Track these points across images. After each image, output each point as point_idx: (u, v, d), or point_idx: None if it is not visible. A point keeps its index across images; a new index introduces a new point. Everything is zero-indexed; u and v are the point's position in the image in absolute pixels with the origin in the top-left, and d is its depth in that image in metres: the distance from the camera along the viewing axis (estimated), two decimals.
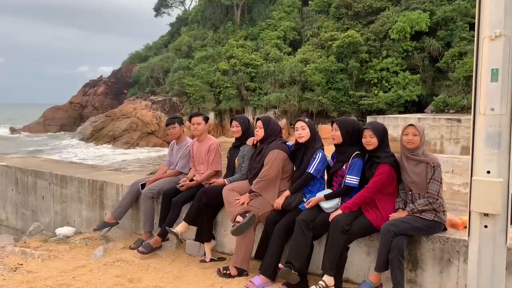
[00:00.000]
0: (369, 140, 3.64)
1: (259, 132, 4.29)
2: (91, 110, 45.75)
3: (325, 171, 4.08)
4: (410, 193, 3.56)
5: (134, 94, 40.76)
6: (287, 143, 4.34)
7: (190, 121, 4.98)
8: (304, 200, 3.99)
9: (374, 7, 32.91)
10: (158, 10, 53.15)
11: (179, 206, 4.66)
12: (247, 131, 4.62)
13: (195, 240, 4.51)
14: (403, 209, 3.54)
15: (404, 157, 3.58)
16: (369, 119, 21.06)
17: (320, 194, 3.84)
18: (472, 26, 28.10)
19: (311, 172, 3.90)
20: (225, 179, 4.54)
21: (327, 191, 3.89)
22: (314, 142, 4.03)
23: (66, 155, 27.37)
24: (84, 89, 50.27)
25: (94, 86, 49.56)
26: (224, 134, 32.90)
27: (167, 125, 5.26)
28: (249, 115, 33.15)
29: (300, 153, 4.09)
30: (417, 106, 29.09)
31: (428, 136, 18.31)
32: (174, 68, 36.52)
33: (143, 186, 5.04)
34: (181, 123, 5.24)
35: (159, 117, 32.70)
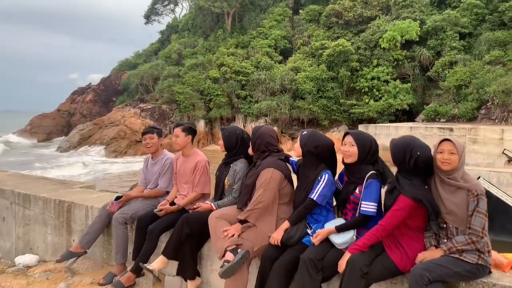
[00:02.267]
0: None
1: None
2: (79, 117, 45.13)
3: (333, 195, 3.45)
4: (445, 226, 2.84)
5: (123, 102, 40.29)
6: (290, 158, 3.64)
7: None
8: (309, 231, 3.26)
9: (364, 16, 32.99)
10: (148, 17, 52.89)
11: (156, 235, 3.92)
12: (235, 145, 3.83)
13: (176, 275, 3.78)
14: (436, 246, 2.83)
15: (439, 180, 2.87)
16: (360, 127, 20.92)
17: (330, 225, 3.13)
18: (462, 36, 28.28)
19: (314, 198, 3.17)
20: (212, 203, 3.79)
21: (338, 221, 3.17)
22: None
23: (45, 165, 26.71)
24: (73, 96, 49.64)
25: (83, 94, 48.98)
26: (215, 142, 32.54)
27: (143, 134, 4.50)
28: (239, 123, 32.88)
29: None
30: (407, 115, 29.05)
31: None
32: (164, 76, 36.16)
33: (118, 198, 4.34)
34: (160, 134, 4.57)
35: (148, 125, 32.21)
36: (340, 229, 3.06)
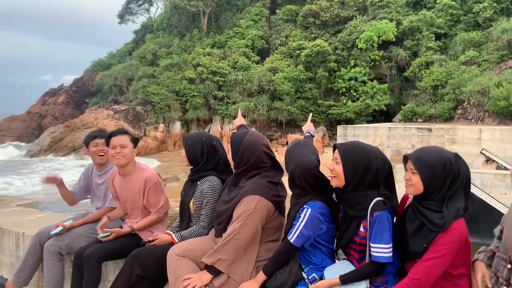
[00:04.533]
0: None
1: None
2: (51, 120, 43.63)
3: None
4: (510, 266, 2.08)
5: (96, 103, 39.19)
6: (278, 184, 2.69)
7: (107, 143, 3.26)
8: (305, 277, 2.46)
9: (341, 16, 32.89)
10: (122, 17, 51.63)
11: (96, 260, 3.02)
12: (201, 156, 2.97)
13: None
14: None
15: None
16: (338, 129, 20.67)
17: (331, 273, 2.36)
18: (437, 36, 28.46)
19: (291, 241, 2.39)
20: (173, 234, 2.92)
21: (342, 265, 2.39)
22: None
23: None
24: (44, 98, 48.01)
25: (54, 95, 47.43)
26: None
27: (91, 139, 3.64)
28: (217, 125, 32.29)
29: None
30: (385, 115, 29.08)
31: (399, 146, 18.03)
32: (138, 76, 35.26)
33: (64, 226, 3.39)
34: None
35: (122, 127, 31.30)
36: (346, 280, 2.26)
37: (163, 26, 43.69)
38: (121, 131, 3.33)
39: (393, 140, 17.99)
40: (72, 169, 24.47)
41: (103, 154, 3.62)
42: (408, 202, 2.32)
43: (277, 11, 37.42)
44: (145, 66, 36.51)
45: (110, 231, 3.15)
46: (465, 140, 15.88)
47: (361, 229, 2.29)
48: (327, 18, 33.17)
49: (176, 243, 2.85)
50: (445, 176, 2.07)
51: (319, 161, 2.50)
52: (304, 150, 2.54)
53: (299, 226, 2.39)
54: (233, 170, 2.80)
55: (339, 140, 20.21)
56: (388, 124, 21.47)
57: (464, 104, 23.20)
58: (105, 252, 3.08)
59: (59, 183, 3.69)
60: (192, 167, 3.05)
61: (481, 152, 15.51)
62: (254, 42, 35.67)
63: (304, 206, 2.41)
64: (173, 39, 39.25)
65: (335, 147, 2.40)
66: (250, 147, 2.62)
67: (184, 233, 2.92)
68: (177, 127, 32.93)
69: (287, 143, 29.99)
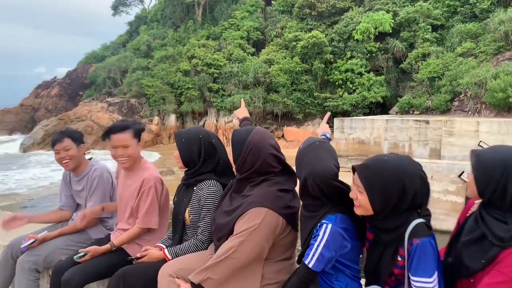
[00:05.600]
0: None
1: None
2: (44, 113, 43.24)
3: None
4: None
5: (90, 96, 38.81)
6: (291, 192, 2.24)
7: (107, 138, 2.83)
8: None
9: (337, 7, 32.57)
10: (116, 8, 50.94)
11: (76, 286, 2.63)
12: (199, 156, 2.56)
13: None
14: None
15: None
16: (335, 121, 20.48)
17: None
18: (434, 28, 28.26)
19: (310, 266, 1.96)
20: (165, 249, 2.52)
21: None
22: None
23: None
24: (37, 90, 47.53)
25: (48, 88, 46.97)
26: None
27: (52, 145, 3.13)
28: (212, 118, 32.02)
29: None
30: (381, 107, 28.93)
31: (396, 138, 17.90)
32: (132, 68, 34.86)
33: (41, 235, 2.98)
34: (79, 139, 3.16)
35: (116, 120, 30.97)
36: None
37: (157, 18, 43.19)
38: (121, 127, 2.78)
39: (390, 132, 17.85)
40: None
41: (68, 160, 3.10)
42: (472, 209, 1.93)
43: (272, 2, 37.03)
44: (139, 58, 36.10)
45: (85, 250, 2.70)
46: (463, 132, 15.76)
47: (398, 258, 1.85)
48: (323, 9, 32.84)
49: (168, 260, 2.44)
50: (410, 193, 1.79)
51: (338, 167, 2.06)
52: (321, 153, 2.06)
53: (318, 246, 1.94)
54: (235, 173, 2.38)
55: (336, 132, 20.02)
56: (385, 117, 21.31)
57: (461, 96, 23.07)
58: (87, 275, 2.64)
59: (25, 222, 3.12)
60: (186, 169, 2.62)
61: (478, 145, 15.41)
62: (250, 34, 35.31)
63: (323, 221, 1.97)
64: (167, 30, 38.80)
65: (354, 170, 1.92)
66: (254, 150, 2.19)
67: (179, 248, 2.48)
68: (172, 120, 32.63)
69: (282, 136, 29.83)
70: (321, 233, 1.93)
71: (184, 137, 2.58)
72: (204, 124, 32.43)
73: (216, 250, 2.22)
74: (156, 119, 32.50)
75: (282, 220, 2.10)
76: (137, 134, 2.82)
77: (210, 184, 2.52)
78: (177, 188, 2.70)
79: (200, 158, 2.55)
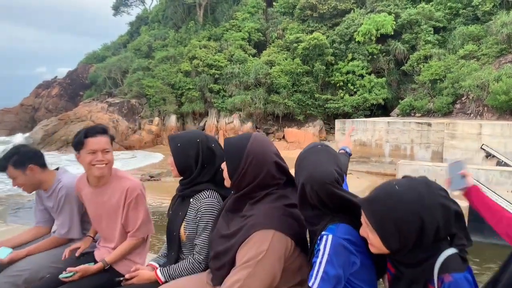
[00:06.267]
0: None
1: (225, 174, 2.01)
2: (44, 113, 43.11)
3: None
4: None
5: (90, 96, 38.68)
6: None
7: (79, 146, 2.49)
8: None
9: (339, 9, 32.50)
10: (117, 9, 50.88)
11: None
12: (196, 163, 2.24)
13: None
14: None
15: None
16: (336, 123, 20.37)
17: None
18: (436, 30, 28.17)
19: (314, 287, 1.63)
20: (158, 270, 2.23)
21: None
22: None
23: None
24: (37, 90, 47.41)
25: (48, 88, 46.84)
26: None
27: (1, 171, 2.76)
28: (212, 119, 31.91)
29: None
30: (382, 109, 28.84)
31: (398, 141, 17.79)
32: (133, 69, 34.76)
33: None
34: (20, 163, 2.71)
35: (116, 121, 30.90)
36: None
37: (158, 18, 43.11)
38: (101, 130, 2.53)
39: (392, 135, 17.76)
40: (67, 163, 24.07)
41: (21, 187, 2.77)
42: None
43: (274, 3, 36.96)
44: (140, 59, 36.00)
45: (75, 270, 2.39)
46: (465, 135, 15.66)
47: None
48: (324, 11, 32.77)
49: (162, 283, 2.14)
50: (433, 226, 1.46)
51: (341, 174, 1.78)
52: (320, 157, 1.79)
53: (320, 263, 1.62)
54: (231, 190, 2.04)
55: (337, 134, 19.90)
56: (387, 119, 21.21)
57: (463, 98, 22.98)
58: None
59: (19, 259, 2.73)
60: (181, 178, 2.29)
61: (481, 148, 15.31)
62: (251, 35, 35.23)
63: (323, 233, 1.68)
64: (168, 31, 38.72)
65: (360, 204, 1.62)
66: (256, 160, 1.87)
67: (173, 268, 2.16)
68: (172, 120, 32.53)
69: (283, 137, 29.73)
70: (321, 247, 1.64)
71: (179, 141, 2.26)
72: (204, 124, 32.35)
73: (215, 280, 1.93)
74: (156, 119, 32.40)
75: (290, 242, 1.80)
76: (112, 141, 2.60)
77: (208, 195, 2.19)
78: (171, 200, 2.38)
79: (198, 165, 2.22)
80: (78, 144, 2.48)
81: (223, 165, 1.97)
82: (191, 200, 2.22)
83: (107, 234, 2.63)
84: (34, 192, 2.93)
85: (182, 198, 2.28)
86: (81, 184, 2.68)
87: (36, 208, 3.02)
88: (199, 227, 2.15)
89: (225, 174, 1.95)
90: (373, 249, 1.57)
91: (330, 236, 1.64)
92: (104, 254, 2.55)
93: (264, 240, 1.75)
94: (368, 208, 1.52)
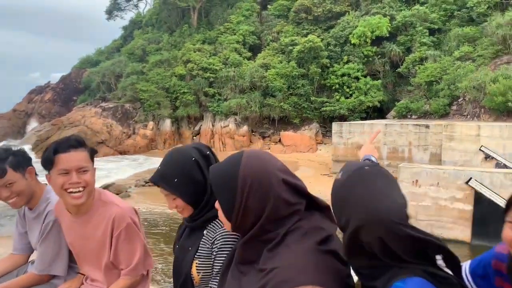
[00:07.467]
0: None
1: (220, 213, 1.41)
2: (37, 118, 42.64)
3: None
4: None
5: (84, 101, 38.32)
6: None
7: (48, 166, 1.95)
8: None
9: (334, 11, 32.43)
10: (110, 13, 50.54)
11: None
12: (203, 188, 1.67)
13: None
14: None
15: None
16: (333, 126, 20.19)
17: None
18: (431, 32, 28.14)
19: None
20: None
21: None
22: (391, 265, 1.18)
23: None
24: (30, 95, 46.91)
25: (41, 93, 46.37)
26: (182, 142, 31.15)
27: None
28: (208, 123, 31.64)
29: None
30: (378, 112, 28.74)
31: (396, 143, 17.63)
32: (127, 73, 34.45)
33: None
34: (21, 164, 2.22)
35: (110, 125, 30.55)
36: None
37: (152, 22, 42.84)
38: (74, 143, 1.96)
39: (390, 137, 17.60)
40: None
41: (14, 199, 2.21)
42: None
43: (268, 6, 36.85)
44: (134, 63, 35.70)
45: None
46: (464, 136, 15.52)
47: None
48: (319, 14, 32.69)
49: None
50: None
51: (406, 205, 1.23)
52: (379, 185, 1.23)
53: None
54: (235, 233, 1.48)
55: (334, 137, 19.72)
56: (384, 121, 21.07)
57: (459, 100, 22.91)
58: None
59: None
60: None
61: (480, 149, 15.17)
62: (246, 38, 35.05)
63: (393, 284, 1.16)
64: (162, 35, 38.46)
65: (510, 204, 1.19)
66: (256, 185, 1.30)
67: None
68: (167, 124, 32.22)
69: (279, 141, 29.51)
70: None
71: (174, 175, 1.66)
72: (200, 128, 32.08)
73: None
74: (151, 124, 32.08)
75: None
76: (92, 156, 2.03)
77: (223, 230, 1.61)
78: (177, 230, 1.86)
79: (206, 187, 1.66)
80: (46, 162, 1.93)
81: (216, 205, 1.40)
82: (205, 232, 1.67)
83: (93, 274, 2.15)
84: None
85: (191, 229, 1.74)
86: (60, 209, 2.15)
87: (15, 231, 2.45)
88: (215, 266, 1.57)
89: (221, 216, 1.39)
90: None
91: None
92: None
93: None
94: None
